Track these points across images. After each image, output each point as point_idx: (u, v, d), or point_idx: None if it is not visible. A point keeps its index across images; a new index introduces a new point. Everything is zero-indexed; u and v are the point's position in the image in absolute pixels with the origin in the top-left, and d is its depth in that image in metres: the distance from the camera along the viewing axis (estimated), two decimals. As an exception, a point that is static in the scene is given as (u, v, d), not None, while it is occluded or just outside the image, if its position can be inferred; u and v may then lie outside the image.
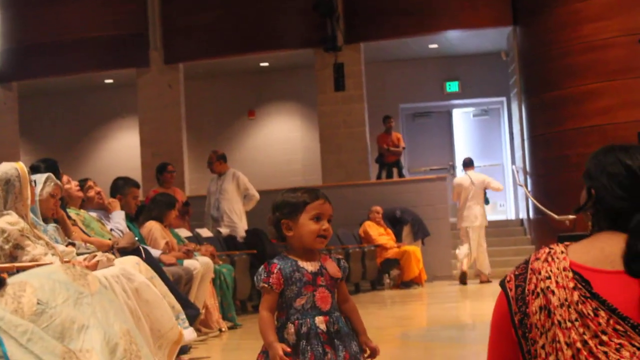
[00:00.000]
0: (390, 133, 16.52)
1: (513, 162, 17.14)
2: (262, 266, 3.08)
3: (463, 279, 13.58)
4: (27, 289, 2.52)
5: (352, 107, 16.28)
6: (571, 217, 12.59)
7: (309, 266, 3.05)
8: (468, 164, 14.41)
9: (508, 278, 2.17)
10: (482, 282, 13.72)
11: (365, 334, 3.09)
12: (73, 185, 6.76)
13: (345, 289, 3.17)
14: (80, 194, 6.86)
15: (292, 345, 2.95)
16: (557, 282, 2.06)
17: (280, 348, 2.90)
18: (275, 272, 3.02)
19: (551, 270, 2.08)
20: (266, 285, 3.01)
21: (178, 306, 5.19)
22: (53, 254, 4.52)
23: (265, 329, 2.99)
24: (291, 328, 2.98)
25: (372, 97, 17.07)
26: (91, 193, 7.24)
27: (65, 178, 6.92)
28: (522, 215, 16.50)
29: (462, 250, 13.96)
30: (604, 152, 2.23)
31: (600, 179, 2.17)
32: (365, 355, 3.05)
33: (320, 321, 2.99)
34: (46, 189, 5.27)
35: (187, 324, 5.27)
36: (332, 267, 3.08)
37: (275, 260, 3.07)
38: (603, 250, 2.10)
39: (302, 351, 2.94)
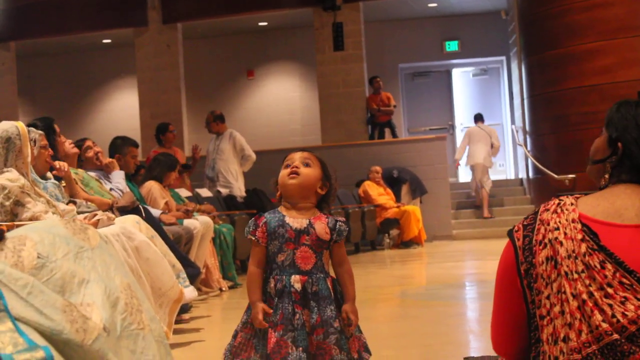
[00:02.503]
0: (379, 93, 16.20)
1: (512, 122, 17.10)
2: (253, 218, 3.06)
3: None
4: (27, 243, 2.51)
5: (351, 66, 16.21)
6: (570, 176, 12.64)
7: (295, 223, 2.99)
8: (478, 118, 16.11)
9: (516, 228, 2.16)
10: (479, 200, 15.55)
11: (352, 301, 2.97)
12: (67, 143, 6.68)
13: (342, 252, 3.06)
14: (76, 150, 6.79)
15: (273, 299, 2.93)
16: (565, 234, 2.04)
17: (261, 311, 2.88)
18: (260, 225, 3.00)
19: (560, 222, 2.07)
20: (253, 238, 3.00)
21: (179, 265, 5.18)
22: (54, 212, 4.49)
23: (250, 285, 2.97)
24: (272, 282, 2.95)
25: (371, 57, 17.00)
26: (90, 153, 7.20)
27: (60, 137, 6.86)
28: (522, 174, 16.49)
29: (471, 185, 15.96)
30: (632, 105, 2.19)
31: (631, 132, 2.14)
32: (344, 322, 2.92)
33: (296, 280, 2.92)
34: (36, 145, 5.17)
35: (187, 282, 5.26)
36: (320, 228, 2.99)
37: (264, 214, 3.05)
38: (614, 204, 2.08)
39: (275, 308, 2.90)
